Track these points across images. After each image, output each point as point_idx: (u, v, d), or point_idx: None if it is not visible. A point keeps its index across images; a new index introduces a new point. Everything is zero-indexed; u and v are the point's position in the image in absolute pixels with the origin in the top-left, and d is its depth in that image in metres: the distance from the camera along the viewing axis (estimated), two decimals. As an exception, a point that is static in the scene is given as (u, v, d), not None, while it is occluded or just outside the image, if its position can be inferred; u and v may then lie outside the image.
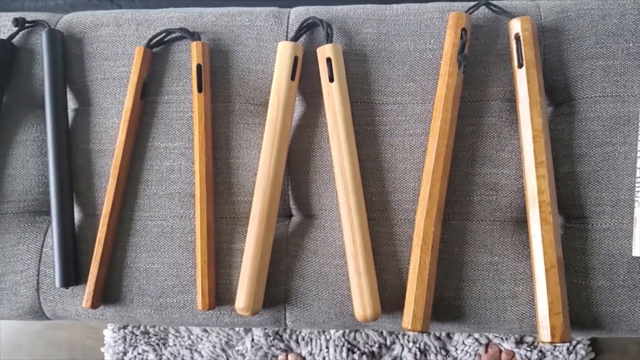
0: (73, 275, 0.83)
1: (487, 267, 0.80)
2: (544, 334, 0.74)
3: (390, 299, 0.81)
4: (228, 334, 1.33)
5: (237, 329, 1.32)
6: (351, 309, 0.81)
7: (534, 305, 0.79)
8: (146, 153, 0.86)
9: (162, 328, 1.34)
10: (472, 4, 0.85)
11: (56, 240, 0.83)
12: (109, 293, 0.84)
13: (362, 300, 0.77)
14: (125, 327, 1.35)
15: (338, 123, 0.80)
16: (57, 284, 0.82)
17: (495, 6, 0.84)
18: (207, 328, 1.33)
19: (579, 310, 0.79)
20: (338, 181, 0.80)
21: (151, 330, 1.34)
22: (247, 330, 1.32)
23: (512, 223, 0.82)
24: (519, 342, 1.26)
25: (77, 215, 0.87)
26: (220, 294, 0.83)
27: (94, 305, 0.82)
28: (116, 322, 0.87)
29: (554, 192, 0.77)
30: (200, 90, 0.84)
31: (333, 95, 0.81)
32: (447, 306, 0.80)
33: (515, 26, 0.81)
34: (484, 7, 0.85)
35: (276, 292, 0.83)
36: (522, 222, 0.82)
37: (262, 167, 0.80)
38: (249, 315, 0.78)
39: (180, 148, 0.85)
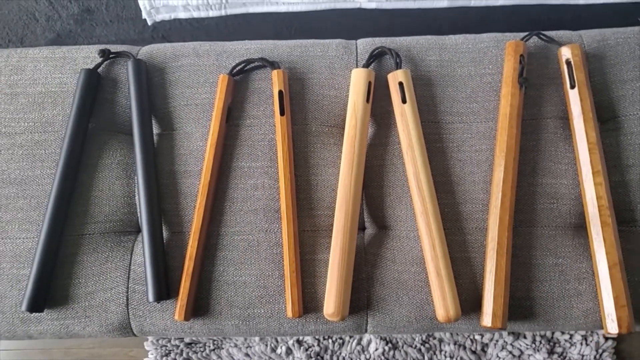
0: (165, 290, 0.87)
1: (553, 269, 0.88)
2: (611, 326, 0.82)
3: (465, 302, 0.87)
4: (270, 358, 1.36)
5: (278, 351, 1.36)
6: (430, 313, 0.87)
7: (597, 302, 0.86)
8: (231, 173, 0.92)
9: (204, 354, 1.37)
10: (520, 34, 0.95)
11: (148, 257, 0.87)
12: (198, 306, 0.88)
13: (444, 301, 0.83)
14: (167, 355, 1.37)
15: (412, 140, 0.88)
16: (150, 298, 0.85)
17: (545, 36, 0.94)
18: (249, 352, 1.36)
19: (638, 304, 0.86)
20: (414, 193, 0.87)
21: (193, 357, 1.37)
22: (289, 353, 1.36)
23: (571, 228, 0.90)
24: (551, 352, 1.33)
25: (164, 233, 0.91)
26: (305, 303, 0.87)
27: (186, 318, 0.85)
28: (204, 336, 0.91)
29: (610, 198, 0.86)
30: (282, 113, 0.90)
31: (406, 116, 0.89)
32: (519, 306, 0.87)
33: (566, 52, 0.91)
34: (534, 36, 0.95)
35: (358, 299, 0.88)
36: (580, 227, 0.90)
37: (343, 182, 0.87)
38: (338, 320, 0.83)
39: (263, 167, 0.92)
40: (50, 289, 0.88)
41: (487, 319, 0.83)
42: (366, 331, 0.90)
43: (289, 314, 0.85)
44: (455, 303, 0.83)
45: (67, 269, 0.89)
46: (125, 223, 0.93)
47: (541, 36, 0.95)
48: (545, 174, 0.90)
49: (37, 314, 0.88)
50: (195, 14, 1.12)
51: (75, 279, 0.89)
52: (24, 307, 0.85)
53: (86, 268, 0.89)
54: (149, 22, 1.13)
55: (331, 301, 0.83)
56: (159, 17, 1.11)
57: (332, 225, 0.87)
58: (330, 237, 0.86)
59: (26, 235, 0.90)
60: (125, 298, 0.88)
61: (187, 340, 1.38)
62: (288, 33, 1.24)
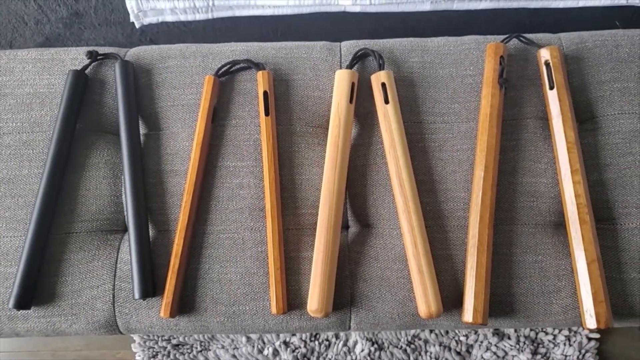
0: (151, 287, 0.88)
1: (533, 266, 0.89)
2: (590, 321, 0.83)
3: (447, 299, 0.88)
4: (256, 359, 1.37)
5: (265, 352, 1.37)
6: (412, 309, 0.88)
7: (576, 298, 0.88)
8: (217, 172, 0.93)
9: (191, 355, 1.37)
10: (501, 37, 0.97)
11: (134, 255, 0.88)
12: (183, 304, 0.89)
13: (426, 298, 0.85)
14: (154, 357, 1.37)
15: (395, 140, 0.89)
16: (137, 295, 0.86)
17: (525, 38, 0.97)
18: (236, 354, 1.37)
19: (616, 300, 0.88)
20: (397, 192, 0.89)
21: (180, 358, 1.37)
22: (275, 355, 1.37)
23: (551, 226, 0.92)
24: (534, 353, 1.35)
25: (150, 231, 0.92)
26: (289, 300, 0.89)
27: (172, 315, 0.86)
28: (189, 333, 0.92)
29: (588, 196, 0.88)
30: (267, 114, 0.92)
31: (389, 116, 0.91)
32: (499, 302, 0.88)
33: (545, 54, 0.93)
34: (514, 38, 0.97)
35: (342, 296, 0.89)
36: (559, 225, 0.92)
37: (327, 181, 0.88)
38: (322, 316, 0.84)
39: (248, 167, 0.93)
40: (37, 287, 0.88)
41: (468, 315, 0.84)
42: (350, 328, 0.91)
43: (274, 310, 0.86)
44: (436, 299, 0.85)
45: (54, 267, 0.90)
46: (111, 222, 0.94)
47: (521, 38, 0.97)
48: (525, 172, 0.92)
49: (24, 311, 0.89)
50: (183, 17, 1.13)
51: (62, 277, 0.89)
52: (11, 304, 0.86)
53: (73, 266, 0.90)
54: (137, 26, 1.14)
55: (315, 297, 0.84)
56: (146, 21, 1.13)
57: (316, 223, 0.88)
58: (314, 235, 0.88)
59: (13, 234, 0.91)
60: (111, 296, 0.89)
61: (174, 341, 1.39)
62: (274, 35, 1.26)
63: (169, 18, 1.13)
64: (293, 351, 1.37)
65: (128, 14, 1.13)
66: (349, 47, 1.00)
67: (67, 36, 1.23)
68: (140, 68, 0.99)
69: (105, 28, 1.21)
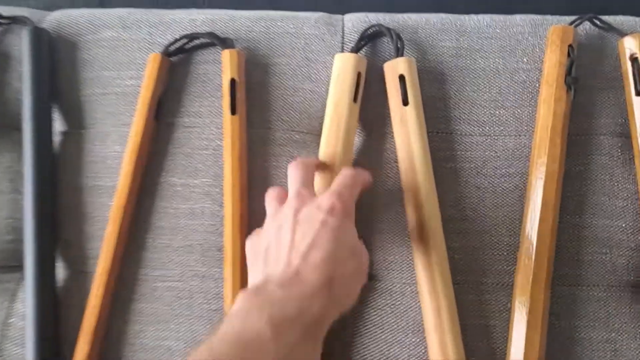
0: (53, 354, 0.68)
1: (603, 347, 0.67)
2: None
3: (481, 389, 0.67)
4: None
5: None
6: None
7: (664, 396, 0.66)
8: (158, 191, 0.73)
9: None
10: (568, 17, 0.75)
11: (31, 306, 0.68)
12: (102, 380, 0.69)
13: (453, 396, 0.62)
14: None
15: (415, 158, 0.67)
16: (30, 367, 0.66)
17: (602, 21, 0.74)
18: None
19: None
20: (413, 234, 0.67)
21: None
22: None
23: (629, 289, 0.69)
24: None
25: (61, 272, 0.72)
26: (256, 379, 0.66)
27: (81, 400, 0.65)
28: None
29: (687, 250, 0.65)
30: (233, 112, 0.71)
31: (408, 123, 0.68)
32: (554, 397, 0.67)
33: (630, 45, 0.70)
34: (586, 21, 0.74)
35: (329, 379, 0.67)
36: (641, 289, 0.70)
37: (316, 212, 0.65)
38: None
39: (204, 185, 0.73)
40: None
41: (511, 420, 0.62)
42: None
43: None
44: (468, 399, 0.63)
45: None
46: (8, 256, 0.74)
47: (596, 21, 0.74)
48: (596, 212, 0.70)
49: None
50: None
51: None
52: None
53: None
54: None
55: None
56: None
57: (296, 271, 0.66)
58: (294, 288, 0.65)
59: None
60: (-4, 365, 0.69)
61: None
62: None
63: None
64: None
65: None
66: (355, 21, 0.78)
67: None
68: (63, 40, 0.78)
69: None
